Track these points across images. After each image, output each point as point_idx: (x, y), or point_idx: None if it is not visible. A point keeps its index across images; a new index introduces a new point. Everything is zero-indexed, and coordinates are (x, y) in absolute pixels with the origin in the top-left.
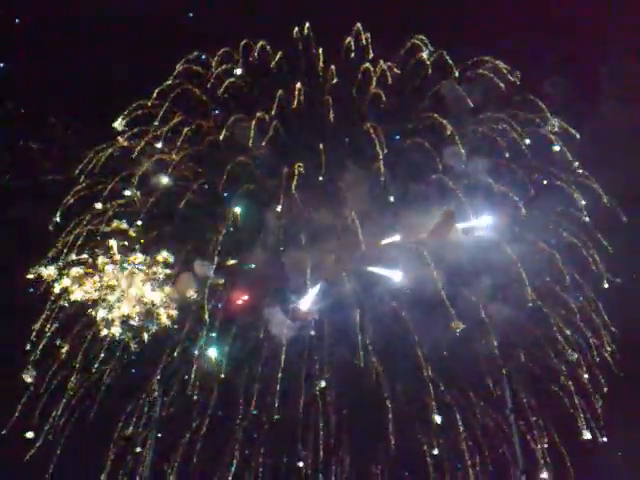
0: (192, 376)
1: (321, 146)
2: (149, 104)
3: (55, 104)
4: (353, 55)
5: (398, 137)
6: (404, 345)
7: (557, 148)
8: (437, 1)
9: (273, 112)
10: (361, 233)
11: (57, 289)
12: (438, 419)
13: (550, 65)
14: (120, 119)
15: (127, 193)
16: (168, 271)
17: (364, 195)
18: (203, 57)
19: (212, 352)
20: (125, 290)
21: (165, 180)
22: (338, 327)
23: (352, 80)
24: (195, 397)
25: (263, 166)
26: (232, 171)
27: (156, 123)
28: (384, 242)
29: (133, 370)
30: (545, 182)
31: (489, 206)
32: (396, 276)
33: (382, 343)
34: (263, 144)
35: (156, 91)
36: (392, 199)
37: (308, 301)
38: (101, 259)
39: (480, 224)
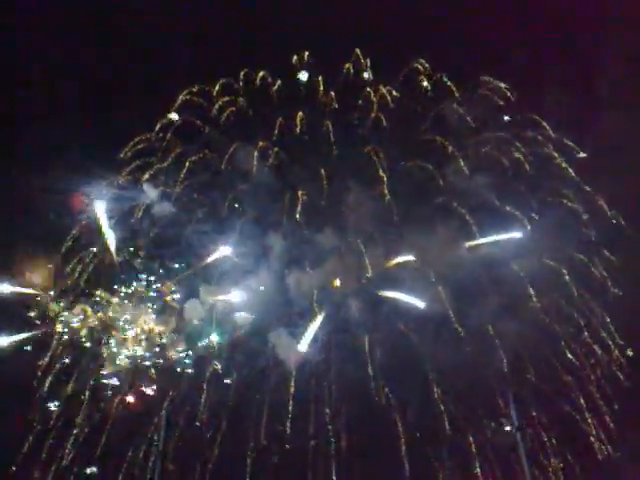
0: (201, 405)
1: (323, 171)
2: (152, 137)
3: (58, 136)
4: (353, 80)
5: (402, 163)
6: (413, 365)
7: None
8: (433, 23)
9: (274, 139)
10: (366, 255)
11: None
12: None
13: (549, 82)
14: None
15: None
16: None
17: (368, 216)
18: (205, 88)
19: (213, 337)
20: (132, 323)
21: (169, 209)
22: (346, 349)
23: (353, 105)
24: (203, 426)
25: (266, 192)
26: (235, 198)
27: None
28: (393, 262)
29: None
30: (549, 199)
31: (494, 224)
32: (419, 304)
33: (391, 364)
34: (265, 170)
35: (159, 124)
36: (396, 219)
37: (308, 339)
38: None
39: (485, 242)
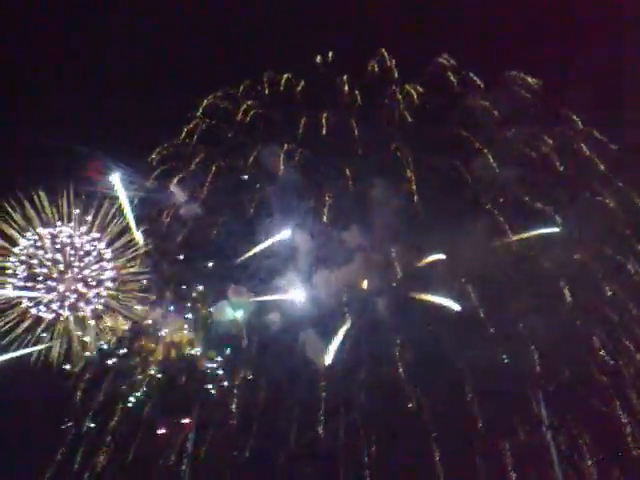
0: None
1: (348, 171)
2: (178, 141)
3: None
4: (378, 78)
5: (429, 159)
6: (443, 366)
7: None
8: (456, 19)
9: (299, 139)
10: (393, 252)
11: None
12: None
13: (579, 75)
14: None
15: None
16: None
17: (394, 213)
18: (229, 92)
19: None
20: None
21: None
22: (375, 350)
23: (378, 103)
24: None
25: (292, 192)
26: (262, 199)
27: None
28: (423, 262)
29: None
30: (580, 194)
31: (523, 220)
32: (454, 306)
33: (421, 365)
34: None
35: (185, 129)
36: (423, 216)
37: (333, 350)
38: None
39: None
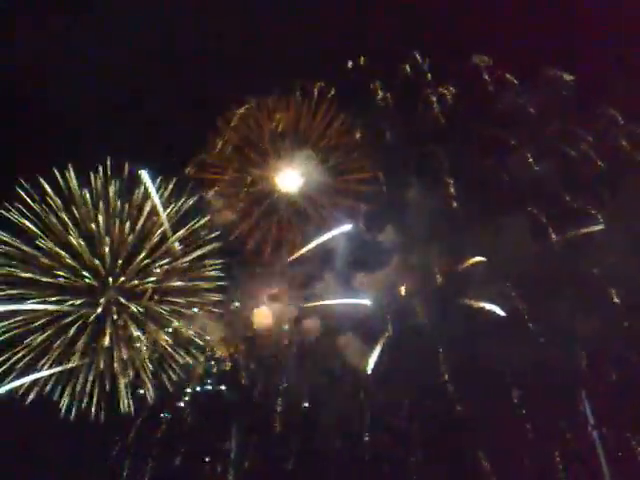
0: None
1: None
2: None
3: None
4: (411, 81)
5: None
6: (487, 369)
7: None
8: (487, 16)
9: (332, 144)
10: (431, 254)
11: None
12: None
13: (619, 70)
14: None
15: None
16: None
17: (430, 215)
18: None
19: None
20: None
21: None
22: (415, 354)
23: (411, 105)
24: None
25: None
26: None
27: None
28: (464, 266)
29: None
30: (624, 190)
31: (563, 218)
32: (499, 311)
33: (463, 369)
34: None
35: (220, 141)
36: (461, 218)
37: (373, 360)
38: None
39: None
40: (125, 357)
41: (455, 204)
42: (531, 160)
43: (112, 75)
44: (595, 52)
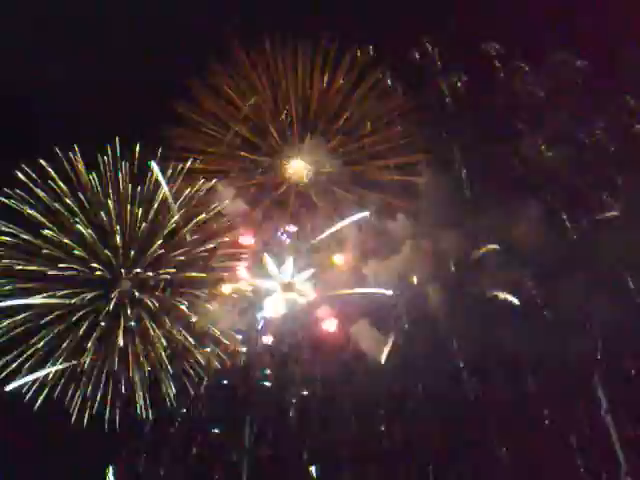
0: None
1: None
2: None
3: None
4: (420, 70)
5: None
6: (499, 355)
7: None
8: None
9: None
10: (442, 241)
11: None
12: None
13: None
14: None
15: None
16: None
17: (442, 201)
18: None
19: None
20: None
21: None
22: (429, 342)
23: (421, 94)
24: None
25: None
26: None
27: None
28: (477, 254)
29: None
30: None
31: (576, 203)
32: (515, 301)
33: (477, 356)
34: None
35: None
36: (473, 203)
37: (387, 348)
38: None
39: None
40: (141, 355)
41: (468, 191)
42: (543, 146)
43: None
44: (606, 35)
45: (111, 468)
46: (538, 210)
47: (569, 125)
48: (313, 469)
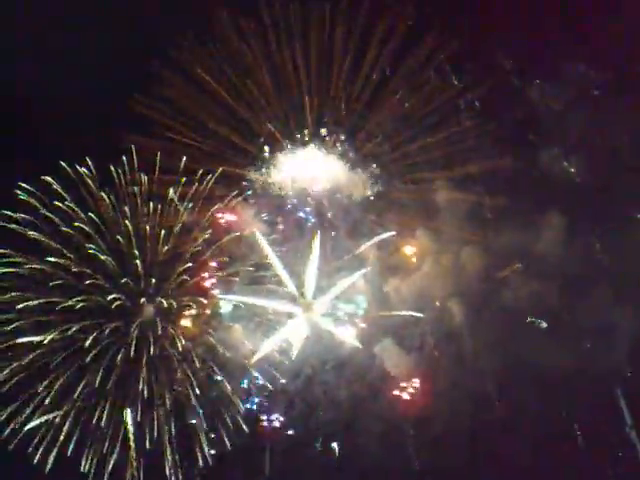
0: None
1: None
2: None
3: None
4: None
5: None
6: (527, 369)
7: None
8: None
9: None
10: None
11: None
12: None
13: None
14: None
15: None
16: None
17: (461, 217)
18: None
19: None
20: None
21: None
22: (452, 357)
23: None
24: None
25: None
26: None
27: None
28: (502, 274)
29: None
30: None
31: (595, 213)
32: (542, 324)
33: (503, 370)
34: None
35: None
36: (492, 218)
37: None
38: None
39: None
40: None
41: (485, 200)
42: (562, 157)
43: None
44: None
45: None
46: (561, 223)
47: (589, 136)
48: None
